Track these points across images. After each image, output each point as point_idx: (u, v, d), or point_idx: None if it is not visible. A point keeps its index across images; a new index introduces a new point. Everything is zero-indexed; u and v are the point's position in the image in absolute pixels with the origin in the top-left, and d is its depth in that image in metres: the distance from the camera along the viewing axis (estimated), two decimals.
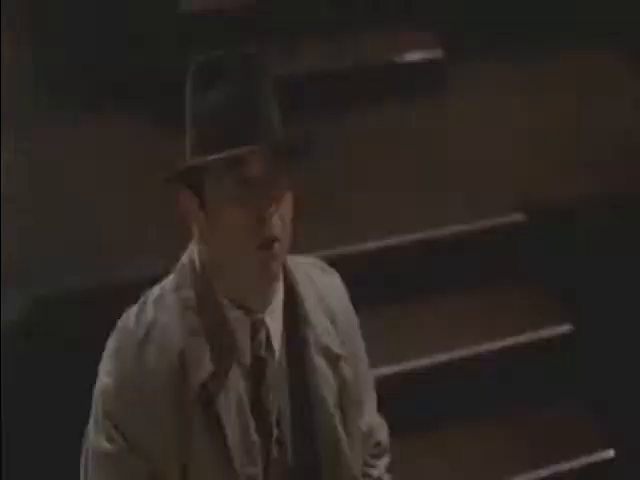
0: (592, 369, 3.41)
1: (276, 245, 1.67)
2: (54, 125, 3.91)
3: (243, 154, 1.61)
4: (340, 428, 1.83)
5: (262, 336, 1.74)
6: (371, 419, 2.05)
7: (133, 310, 1.74)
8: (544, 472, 3.20)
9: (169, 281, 1.76)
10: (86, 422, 1.77)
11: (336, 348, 1.86)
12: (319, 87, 4.17)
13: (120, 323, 1.74)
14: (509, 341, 3.37)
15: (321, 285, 1.91)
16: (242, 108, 1.64)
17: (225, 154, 1.59)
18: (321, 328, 1.85)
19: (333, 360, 1.84)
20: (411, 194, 3.75)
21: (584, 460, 3.24)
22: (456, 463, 3.13)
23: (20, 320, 3.08)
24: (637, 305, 3.38)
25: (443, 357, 3.30)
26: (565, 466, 3.21)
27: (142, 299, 1.76)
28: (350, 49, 4.32)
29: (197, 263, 1.74)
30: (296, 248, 1.82)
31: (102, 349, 1.78)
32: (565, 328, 3.46)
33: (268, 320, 1.76)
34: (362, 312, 2.94)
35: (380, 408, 2.12)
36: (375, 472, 2.08)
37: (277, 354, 1.77)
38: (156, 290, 1.76)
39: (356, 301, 2.17)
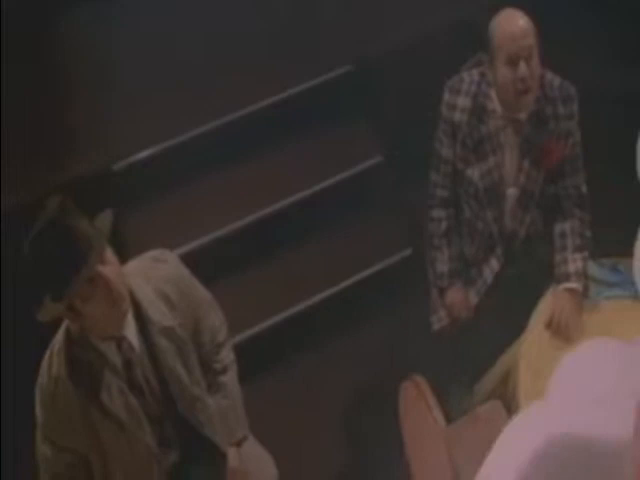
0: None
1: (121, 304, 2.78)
2: None
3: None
4: (181, 371, 3.00)
5: (125, 345, 2.89)
6: (212, 326, 3.19)
7: (46, 361, 2.84)
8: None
9: (63, 331, 2.86)
10: None
11: (169, 322, 2.95)
12: None
13: (40, 377, 2.85)
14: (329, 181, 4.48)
15: (154, 277, 2.97)
16: (67, 248, 2.64)
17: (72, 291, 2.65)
18: (158, 315, 2.93)
19: (170, 332, 2.96)
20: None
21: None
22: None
23: None
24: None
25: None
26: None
27: (49, 351, 2.86)
28: None
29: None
30: None
31: None
32: (377, 159, 4.58)
33: (126, 332, 2.88)
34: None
35: None
36: (219, 365, 3.24)
37: (137, 349, 2.91)
38: (56, 341, 2.85)
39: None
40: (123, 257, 3.48)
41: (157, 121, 4.37)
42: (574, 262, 3.66)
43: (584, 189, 3.72)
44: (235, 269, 4.27)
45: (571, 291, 3.61)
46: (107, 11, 4.56)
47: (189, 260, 3.75)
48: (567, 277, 3.64)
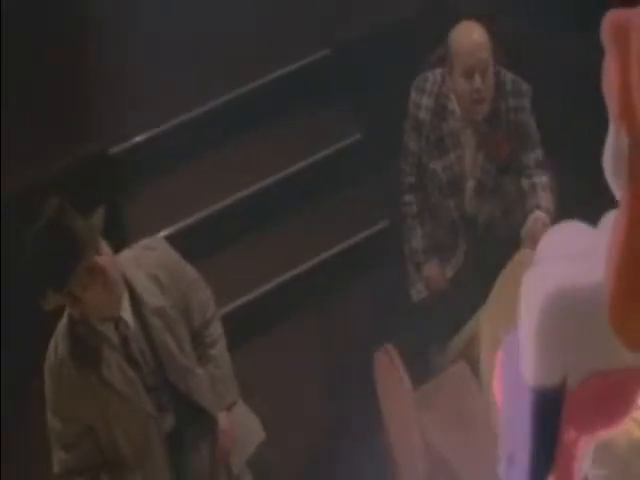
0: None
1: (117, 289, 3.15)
2: None
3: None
4: (172, 345, 3.34)
5: (122, 324, 3.24)
6: (200, 303, 3.49)
7: (52, 345, 3.20)
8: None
9: (66, 317, 3.21)
10: None
11: (161, 302, 3.29)
12: None
13: (47, 360, 3.21)
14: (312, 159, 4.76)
15: (146, 263, 3.31)
16: (66, 245, 2.99)
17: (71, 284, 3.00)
18: (150, 296, 3.27)
19: (162, 312, 3.30)
20: None
21: None
22: None
23: None
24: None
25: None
26: None
27: (54, 337, 3.21)
28: None
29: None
30: None
31: None
32: (356, 137, 4.88)
33: (123, 313, 3.23)
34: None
35: None
36: (208, 339, 3.55)
37: (132, 328, 3.26)
38: (60, 327, 3.21)
39: None
40: (123, 234, 3.78)
41: (151, 106, 4.66)
42: (545, 199, 3.90)
43: (541, 156, 3.96)
44: (224, 244, 4.58)
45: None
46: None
47: (184, 236, 4.07)
48: (539, 207, 3.88)
